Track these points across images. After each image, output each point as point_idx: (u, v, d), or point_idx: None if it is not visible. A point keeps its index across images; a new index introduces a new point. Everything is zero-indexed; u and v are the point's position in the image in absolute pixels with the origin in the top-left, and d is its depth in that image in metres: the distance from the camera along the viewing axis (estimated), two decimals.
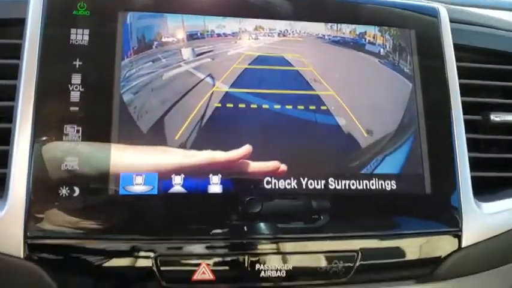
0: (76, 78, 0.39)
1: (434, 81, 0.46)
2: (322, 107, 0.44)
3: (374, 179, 0.43)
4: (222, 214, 0.40)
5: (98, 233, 0.38)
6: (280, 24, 0.45)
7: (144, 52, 0.41)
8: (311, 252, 0.41)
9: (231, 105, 0.42)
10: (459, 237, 0.44)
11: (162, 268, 0.38)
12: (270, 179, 0.41)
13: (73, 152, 0.38)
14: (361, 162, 0.43)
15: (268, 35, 0.44)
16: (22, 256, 0.37)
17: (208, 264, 0.39)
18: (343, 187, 0.42)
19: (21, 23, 0.41)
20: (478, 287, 0.48)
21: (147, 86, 0.41)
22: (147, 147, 0.39)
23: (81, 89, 0.39)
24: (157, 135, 0.40)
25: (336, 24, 0.46)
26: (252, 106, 0.42)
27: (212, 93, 0.42)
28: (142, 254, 0.38)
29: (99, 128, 0.39)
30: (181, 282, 0.39)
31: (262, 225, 0.40)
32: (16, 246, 0.36)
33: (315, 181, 0.42)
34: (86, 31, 0.40)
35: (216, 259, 0.39)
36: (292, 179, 0.41)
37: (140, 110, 0.40)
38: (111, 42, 0.41)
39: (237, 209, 0.40)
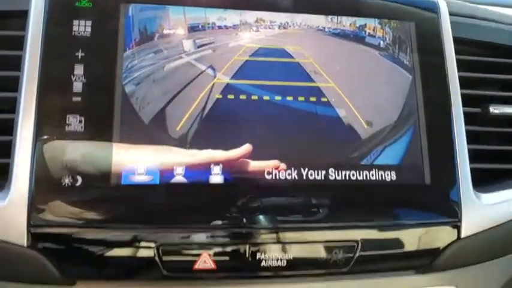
0: (78, 69, 0.40)
1: (434, 74, 0.47)
2: (323, 99, 0.44)
3: (374, 169, 0.43)
4: (224, 204, 0.40)
5: (100, 222, 0.38)
6: (281, 17, 0.45)
7: (146, 44, 0.42)
8: (311, 242, 0.41)
9: (232, 97, 0.42)
10: (458, 228, 0.44)
11: (163, 257, 0.39)
12: (270, 170, 0.41)
13: (75, 142, 0.38)
14: (361, 153, 0.43)
15: (269, 28, 0.45)
16: (25, 244, 0.37)
17: (209, 254, 0.39)
18: (343, 178, 0.42)
19: (23, 14, 0.41)
20: (478, 277, 0.48)
21: (148, 77, 0.41)
22: (149, 140, 0.40)
23: (83, 80, 0.40)
24: (158, 126, 0.40)
25: (336, 17, 0.46)
26: (253, 97, 0.43)
27: (213, 84, 0.42)
28: (144, 243, 0.39)
29: (101, 118, 0.39)
30: (182, 271, 0.40)
31: (263, 215, 0.40)
32: (19, 235, 0.37)
33: (315, 172, 0.42)
34: (88, 23, 0.41)
35: (218, 248, 0.40)
36: (292, 170, 0.42)
37: (142, 101, 0.40)
38: (113, 34, 0.41)
39: (238, 199, 0.40)
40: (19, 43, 0.41)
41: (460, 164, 0.45)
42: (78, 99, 0.39)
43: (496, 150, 0.50)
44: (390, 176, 0.43)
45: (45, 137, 0.38)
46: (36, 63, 0.39)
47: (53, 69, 0.40)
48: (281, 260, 0.41)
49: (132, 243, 0.39)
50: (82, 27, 0.41)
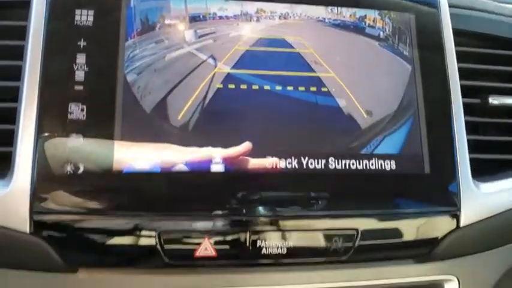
0: (80, 58, 0.40)
1: (434, 64, 0.47)
2: (323, 89, 0.44)
3: (374, 159, 0.43)
4: (225, 192, 0.40)
5: (102, 209, 0.38)
6: (281, 7, 0.45)
7: (148, 33, 0.42)
8: (311, 230, 0.42)
9: (233, 86, 0.42)
10: (457, 217, 0.44)
11: (165, 245, 0.39)
12: (271, 159, 0.41)
13: (77, 130, 0.39)
14: (361, 142, 0.44)
15: (270, 18, 0.45)
16: (28, 231, 0.37)
17: (210, 241, 0.40)
18: (343, 167, 0.43)
19: (26, 4, 0.41)
20: (477, 267, 0.49)
21: (150, 67, 0.41)
22: (151, 129, 0.40)
23: (85, 69, 0.40)
24: (160, 115, 0.40)
25: (336, 8, 0.46)
26: (253, 87, 0.43)
27: (214, 74, 0.42)
28: (145, 231, 0.39)
29: (103, 106, 0.40)
30: (184, 258, 0.40)
31: (263, 203, 0.41)
32: (22, 222, 0.37)
33: (316, 161, 0.42)
34: (91, 12, 0.41)
35: (219, 236, 0.40)
36: (293, 159, 0.42)
37: (143, 90, 0.41)
38: (115, 24, 0.41)
39: (239, 187, 0.40)
40: (22, 33, 0.41)
41: (460, 153, 0.45)
42: (80, 88, 0.39)
43: (495, 141, 0.50)
44: (390, 165, 0.43)
45: (48, 125, 0.38)
46: (39, 52, 0.40)
47: (55, 59, 0.40)
48: (281, 248, 0.41)
49: (133, 231, 0.39)
50: (84, 17, 0.41)
